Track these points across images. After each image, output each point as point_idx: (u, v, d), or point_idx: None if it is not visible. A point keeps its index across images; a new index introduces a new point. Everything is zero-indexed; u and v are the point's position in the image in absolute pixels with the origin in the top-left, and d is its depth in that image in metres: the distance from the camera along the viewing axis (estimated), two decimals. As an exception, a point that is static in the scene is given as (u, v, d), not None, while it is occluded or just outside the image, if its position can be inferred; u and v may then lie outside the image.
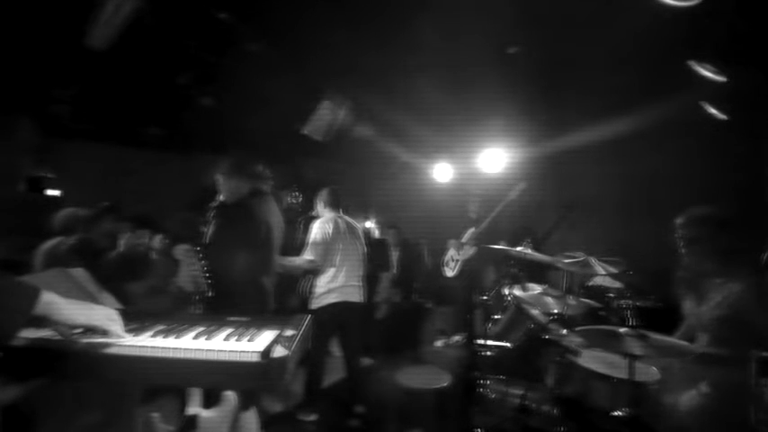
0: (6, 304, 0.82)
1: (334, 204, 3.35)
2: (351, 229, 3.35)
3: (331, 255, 3.19)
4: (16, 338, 0.85)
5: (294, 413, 3.19)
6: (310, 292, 3.27)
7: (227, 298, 2.04)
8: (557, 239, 4.08)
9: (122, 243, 2.77)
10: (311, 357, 3.20)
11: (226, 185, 2.37)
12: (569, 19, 3.06)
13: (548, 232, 4.20)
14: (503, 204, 4.14)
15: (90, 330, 0.93)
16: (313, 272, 3.37)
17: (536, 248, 3.10)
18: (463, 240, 4.88)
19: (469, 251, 4.81)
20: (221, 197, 2.38)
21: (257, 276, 2.22)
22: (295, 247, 3.35)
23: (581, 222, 3.93)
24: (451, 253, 5.17)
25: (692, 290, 2.07)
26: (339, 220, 3.28)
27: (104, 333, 0.94)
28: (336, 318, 3.15)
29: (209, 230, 2.26)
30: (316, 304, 3.17)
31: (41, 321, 0.87)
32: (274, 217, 2.39)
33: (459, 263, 5.02)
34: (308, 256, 3.12)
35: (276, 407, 3.30)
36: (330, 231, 3.17)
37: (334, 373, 3.64)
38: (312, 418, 3.15)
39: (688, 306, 2.09)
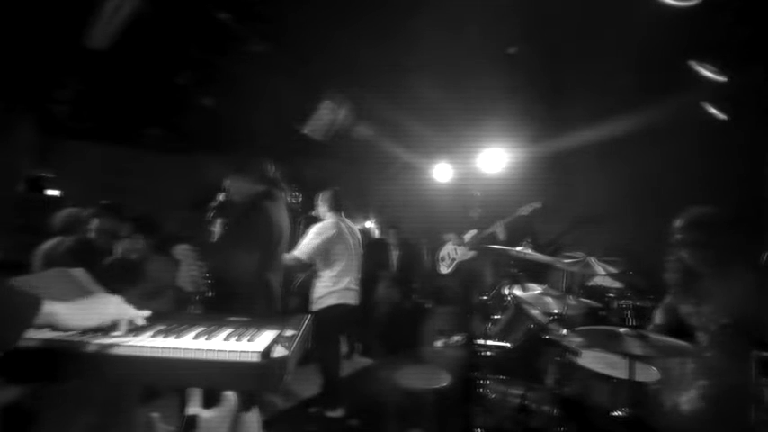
0: (7, 315, 0.81)
1: (336, 207, 3.34)
2: (351, 232, 3.36)
3: (332, 258, 3.20)
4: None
5: (320, 411, 3.21)
6: (309, 294, 3.29)
7: (233, 298, 2.04)
8: (561, 246, 4.08)
9: (119, 250, 2.75)
10: (323, 359, 3.23)
11: (236, 185, 2.34)
12: (569, 19, 3.06)
13: (554, 240, 4.21)
14: (512, 218, 4.16)
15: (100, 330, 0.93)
16: (303, 271, 3.38)
17: (536, 249, 3.10)
18: (465, 240, 4.88)
19: (468, 254, 4.82)
20: (225, 196, 2.35)
21: (266, 277, 2.21)
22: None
23: (589, 233, 3.93)
24: (449, 249, 5.16)
25: (691, 290, 2.06)
26: (341, 224, 3.28)
27: (119, 326, 0.95)
28: (338, 318, 3.18)
29: (217, 230, 2.25)
30: (317, 306, 3.19)
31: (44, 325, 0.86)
32: (283, 220, 2.38)
33: (455, 262, 5.02)
34: (297, 254, 3.11)
35: (281, 405, 3.31)
36: (331, 236, 3.17)
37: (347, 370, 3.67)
38: (339, 414, 3.17)
39: (684, 307, 2.09)
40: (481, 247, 4.43)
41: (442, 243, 5.23)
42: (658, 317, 2.23)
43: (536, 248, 3.05)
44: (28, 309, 0.83)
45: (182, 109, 4.48)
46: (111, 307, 0.98)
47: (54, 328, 0.88)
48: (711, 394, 1.83)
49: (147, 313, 1.04)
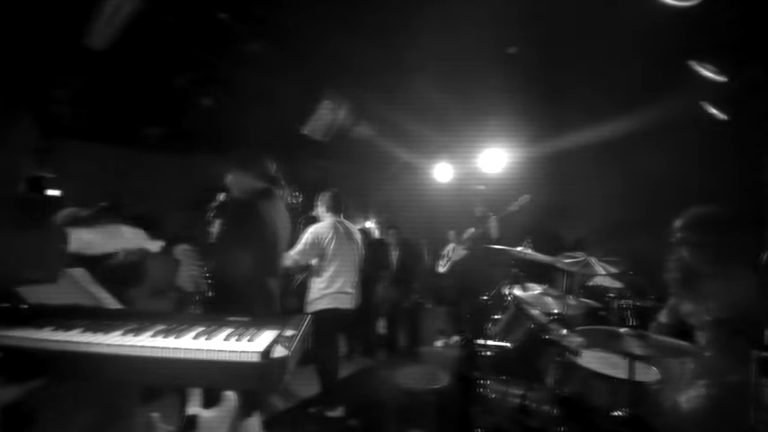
0: (49, 247, 0.91)
1: (335, 209, 3.34)
2: (349, 234, 3.34)
3: (327, 260, 3.19)
4: (15, 339, 0.85)
5: (320, 411, 3.21)
6: (305, 296, 3.28)
7: (230, 298, 2.03)
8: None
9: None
10: (319, 360, 3.23)
11: (237, 180, 2.33)
12: (569, 19, 3.06)
13: (577, 241, 4.19)
14: (503, 214, 4.17)
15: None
16: (301, 273, 3.38)
17: (536, 249, 3.10)
18: (462, 239, 4.88)
19: (462, 253, 4.82)
20: (226, 196, 2.35)
21: (262, 277, 2.20)
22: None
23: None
24: (449, 248, 5.18)
25: (690, 290, 2.06)
26: (338, 226, 3.27)
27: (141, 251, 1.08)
28: (331, 321, 3.17)
29: (213, 230, 2.25)
30: (311, 308, 3.19)
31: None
32: (282, 219, 2.37)
33: (450, 261, 5.03)
34: (292, 254, 3.09)
35: (281, 405, 3.32)
36: (327, 237, 3.17)
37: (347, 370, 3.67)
38: (339, 413, 3.17)
39: (684, 306, 2.09)
40: (477, 246, 4.43)
41: (446, 241, 5.24)
42: (663, 318, 2.23)
43: (559, 249, 3.04)
44: (61, 237, 0.94)
45: (182, 109, 4.48)
46: (131, 236, 1.12)
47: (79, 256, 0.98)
48: (711, 394, 1.83)
49: (161, 243, 1.13)
